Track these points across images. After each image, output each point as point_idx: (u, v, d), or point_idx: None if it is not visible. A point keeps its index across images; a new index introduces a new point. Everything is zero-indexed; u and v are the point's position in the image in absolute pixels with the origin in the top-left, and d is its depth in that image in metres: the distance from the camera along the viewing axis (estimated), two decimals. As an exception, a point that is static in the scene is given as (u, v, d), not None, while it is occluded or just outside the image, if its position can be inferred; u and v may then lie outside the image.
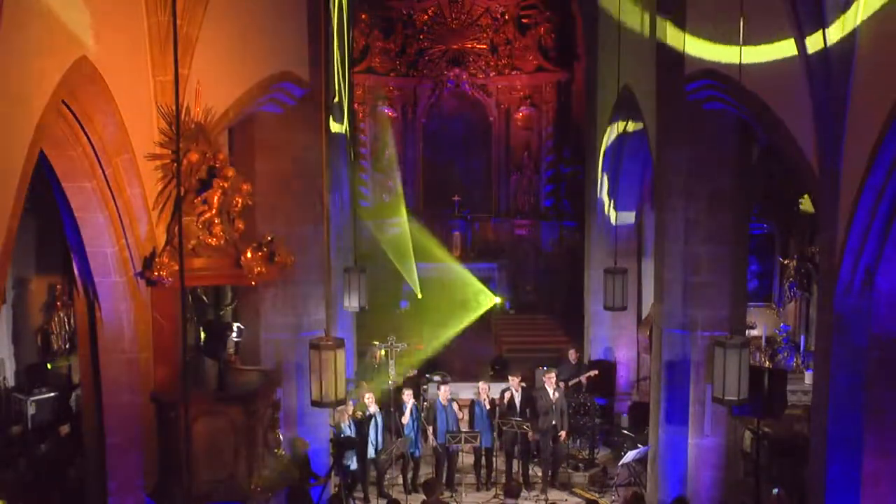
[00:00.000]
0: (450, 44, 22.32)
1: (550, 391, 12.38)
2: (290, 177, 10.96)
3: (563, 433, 12.49)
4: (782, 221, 15.94)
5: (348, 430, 11.51)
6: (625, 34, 13.50)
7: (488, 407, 12.37)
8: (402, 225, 22.65)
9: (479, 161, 23.40)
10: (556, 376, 12.71)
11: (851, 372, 7.36)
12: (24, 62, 5.43)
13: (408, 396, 12.30)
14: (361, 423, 11.82)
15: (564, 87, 22.54)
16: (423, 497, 12.02)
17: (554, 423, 12.31)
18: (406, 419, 12.08)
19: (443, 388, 12.63)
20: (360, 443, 11.80)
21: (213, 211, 7.68)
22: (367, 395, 12.10)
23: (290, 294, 11.09)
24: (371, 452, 11.87)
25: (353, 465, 11.78)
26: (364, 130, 22.41)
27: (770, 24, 8.16)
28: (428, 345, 18.50)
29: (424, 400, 13.69)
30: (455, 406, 12.26)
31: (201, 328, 8.88)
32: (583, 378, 13.58)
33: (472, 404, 12.47)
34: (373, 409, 11.94)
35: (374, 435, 11.84)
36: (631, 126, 13.85)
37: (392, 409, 12.63)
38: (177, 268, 7.44)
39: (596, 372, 13.80)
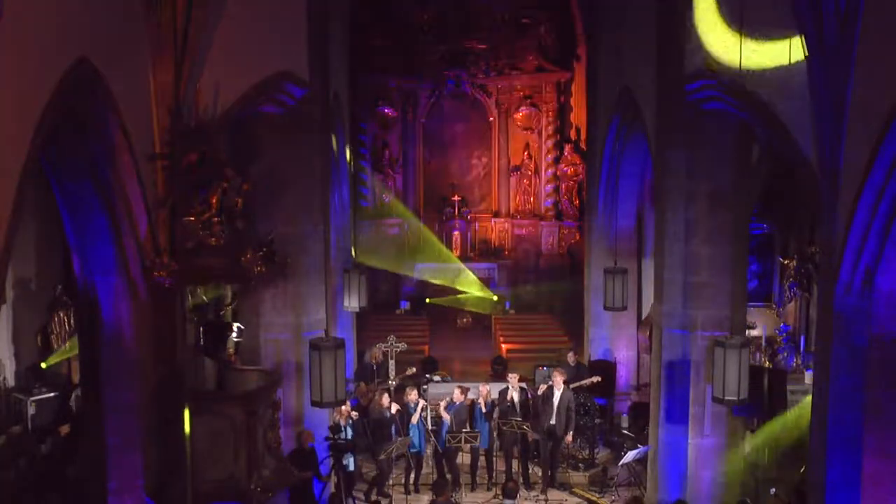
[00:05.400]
0: (450, 44, 22.30)
1: (558, 392, 12.35)
2: (290, 177, 10.96)
3: (568, 437, 12.45)
4: (782, 221, 15.94)
5: (346, 431, 11.48)
6: (625, 34, 13.51)
7: (484, 409, 12.36)
8: (402, 225, 22.67)
9: (479, 161, 23.41)
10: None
11: (851, 372, 7.35)
12: (24, 62, 5.44)
13: (414, 396, 12.30)
14: (380, 424, 11.84)
15: (564, 87, 22.54)
16: (421, 497, 12.08)
17: (553, 422, 12.29)
18: (416, 419, 12.09)
19: (457, 390, 12.62)
20: (375, 443, 11.83)
21: (213, 211, 7.68)
22: (384, 396, 12.11)
23: (290, 294, 11.09)
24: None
25: (352, 466, 11.77)
26: (364, 130, 22.40)
27: (770, 24, 8.16)
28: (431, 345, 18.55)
29: (425, 400, 13.68)
30: (442, 409, 12.27)
31: (201, 328, 8.89)
32: (585, 383, 13.56)
33: (472, 405, 12.45)
34: (393, 409, 11.97)
35: (393, 436, 11.85)
36: (630, 126, 13.84)
37: (399, 410, 12.62)
38: (177, 268, 7.45)
39: (598, 379, 13.76)
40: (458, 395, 12.40)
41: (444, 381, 15.54)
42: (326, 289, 11.70)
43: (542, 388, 12.55)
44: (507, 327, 20.44)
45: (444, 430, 12.11)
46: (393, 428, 11.94)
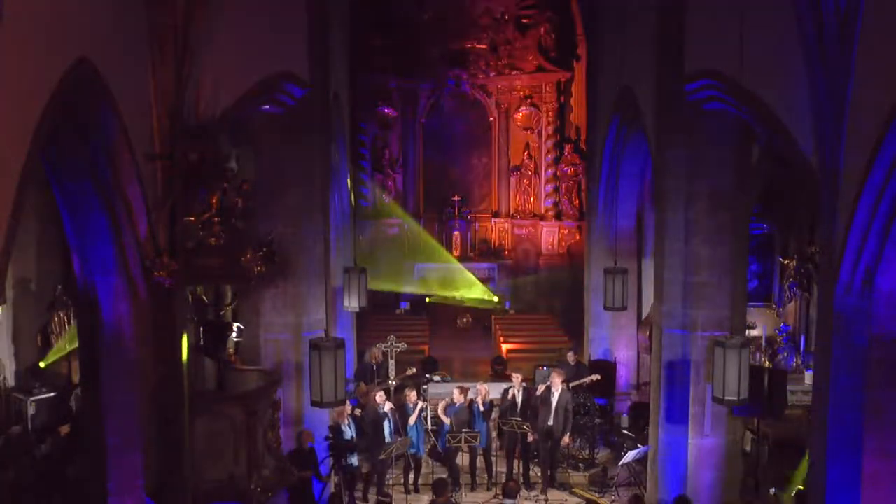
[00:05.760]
0: (450, 44, 22.30)
1: (556, 392, 12.34)
2: (290, 177, 10.96)
3: (565, 438, 12.44)
4: (782, 221, 15.94)
5: (348, 431, 11.48)
6: (625, 34, 13.51)
7: (482, 409, 12.36)
8: (401, 225, 22.67)
9: (479, 161, 23.41)
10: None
11: (851, 372, 7.35)
12: (24, 62, 5.43)
13: (413, 397, 12.29)
14: (375, 422, 11.83)
15: (564, 87, 22.53)
16: (421, 497, 12.08)
17: (550, 423, 12.28)
18: (413, 420, 12.08)
19: (456, 391, 12.62)
20: (375, 441, 11.82)
21: (213, 211, 7.68)
22: (379, 394, 12.11)
23: (290, 294, 11.10)
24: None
25: (356, 463, 11.73)
26: (364, 130, 22.41)
27: (770, 24, 8.16)
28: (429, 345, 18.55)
29: (425, 400, 13.68)
30: (441, 413, 12.28)
31: (201, 328, 8.88)
32: (585, 381, 13.59)
33: (470, 404, 12.46)
34: (386, 408, 11.94)
35: (388, 434, 11.84)
36: (630, 126, 13.84)
37: (393, 409, 12.60)
38: (177, 268, 7.45)
39: (598, 377, 13.78)
40: (457, 396, 12.40)
41: (444, 381, 15.54)
42: (326, 289, 11.69)
43: (541, 388, 12.53)
44: (507, 327, 20.44)
45: (445, 430, 12.11)
46: (386, 426, 11.89)
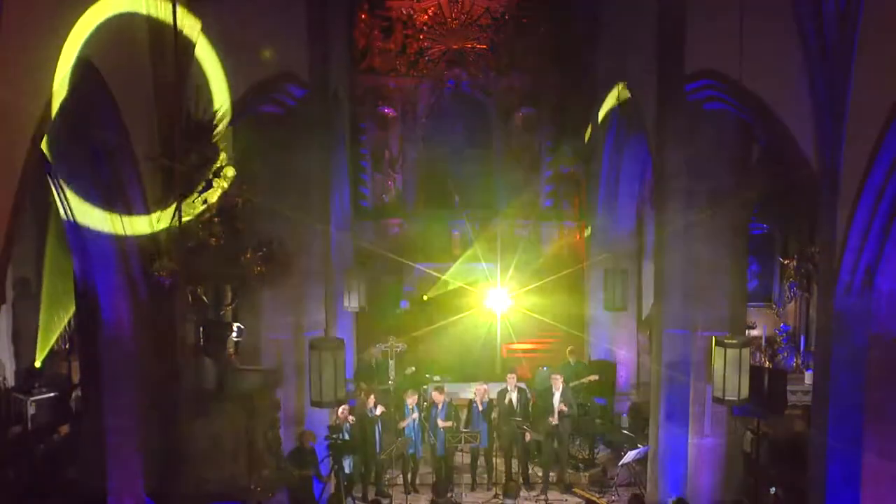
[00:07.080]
0: (450, 44, 22.29)
1: (556, 393, 12.33)
2: (291, 177, 10.96)
3: (563, 406, 12.34)
4: (782, 221, 15.93)
5: (344, 433, 11.45)
6: (625, 34, 13.51)
7: (481, 408, 12.35)
8: (401, 225, 22.65)
9: (479, 161, 23.39)
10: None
11: (851, 372, 7.36)
12: (25, 62, 5.44)
13: (412, 400, 12.27)
14: (363, 424, 11.80)
15: (564, 87, 22.51)
16: (421, 496, 12.07)
17: (555, 424, 12.27)
18: (404, 424, 12.05)
19: (434, 392, 12.63)
20: (363, 443, 11.79)
21: (213, 211, 7.68)
22: (370, 397, 12.08)
23: (290, 294, 11.09)
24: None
25: (347, 469, 11.70)
26: (364, 130, 22.40)
27: (770, 24, 8.17)
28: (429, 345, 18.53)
29: (425, 400, 13.67)
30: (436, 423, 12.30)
31: (201, 328, 8.89)
32: (584, 381, 13.59)
33: (469, 404, 12.44)
34: (378, 410, 11.92)
35: (377, 435, 11.82)
36: (630, 126, 13.84)
37: (392, 410, 12.58)
38: (177, 268, 7.45)
39: (596, 377, 13.78)
40: (437, 397, 12.40)
41: (444, 380, 15.51)
42: (326, 289, 11.69)
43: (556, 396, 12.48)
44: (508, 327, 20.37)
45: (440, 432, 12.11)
46: (377, 428, 11.84)
